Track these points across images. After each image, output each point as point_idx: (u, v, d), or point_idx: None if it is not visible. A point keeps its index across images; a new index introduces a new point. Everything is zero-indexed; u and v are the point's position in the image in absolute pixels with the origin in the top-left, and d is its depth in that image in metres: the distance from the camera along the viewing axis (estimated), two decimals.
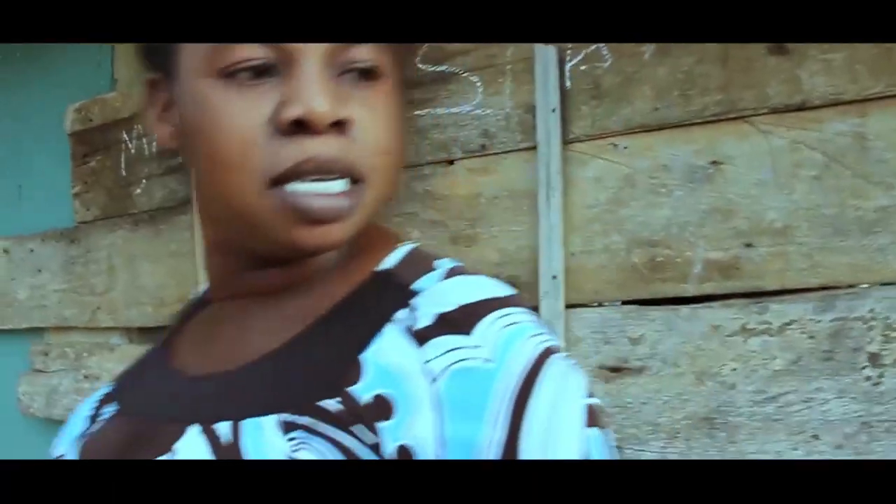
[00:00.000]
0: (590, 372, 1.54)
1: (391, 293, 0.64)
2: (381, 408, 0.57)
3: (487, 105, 1.65)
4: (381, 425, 0.57)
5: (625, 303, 1.54)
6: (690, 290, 1.46)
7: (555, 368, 0.58)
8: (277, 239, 0.62)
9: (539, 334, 0.59)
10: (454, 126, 1.70)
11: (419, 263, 0.67)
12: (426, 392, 0.57)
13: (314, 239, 0.61)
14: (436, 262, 0.67)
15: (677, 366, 1.47)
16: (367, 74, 0.63)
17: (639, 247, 1.50)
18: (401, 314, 0.61)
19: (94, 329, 2.51)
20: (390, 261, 0.68)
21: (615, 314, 1.53)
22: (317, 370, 0.62)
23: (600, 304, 1.55)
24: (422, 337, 0.59)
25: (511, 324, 0.59)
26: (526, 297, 1.60)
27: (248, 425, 0.60)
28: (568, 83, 1.56)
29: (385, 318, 0.62)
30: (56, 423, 2.52)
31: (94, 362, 2.47)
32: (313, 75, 0.60)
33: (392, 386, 0.58)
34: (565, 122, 1.56)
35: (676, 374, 1.47)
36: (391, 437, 0.56)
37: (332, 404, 0.58)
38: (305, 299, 0.68)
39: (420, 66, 1.75)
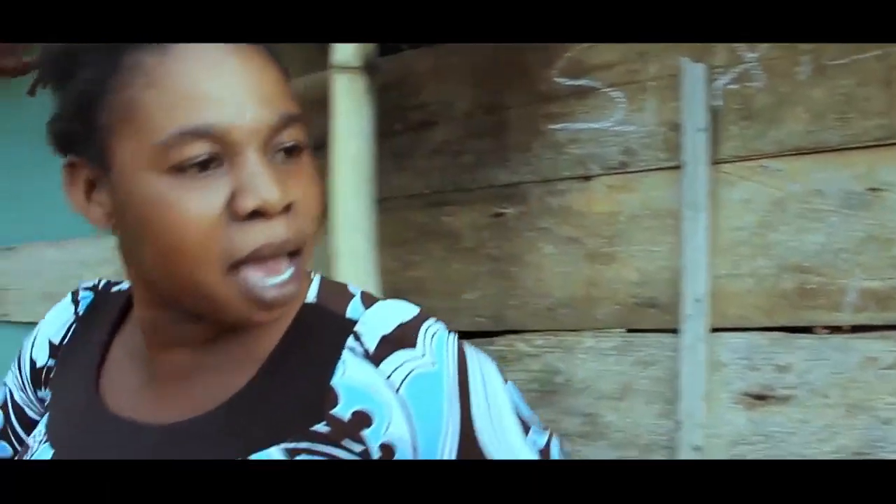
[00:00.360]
0: (732, 398, 1.51)
1: (330, 325, 0.76)
2: (362, 420, 0.71)
3: (629, 121, 1.62)
4: (365, 433, 0.70)
5: (771, 329, 1.49)
6: (843, 318, 1.41)
7: (472, 356, 0.74)
8: (236, 318, 0.71)
9: (450, 334, 0.75)
10: (592, 142, 1.67)
11: (337, 292, 0.79)
12: (393, 400, 0.71)
13: (269, 317, 0.71)
14: (349, 289, 0.80)
15: (827, 396, 1.42)
16: (291, 151, 0.70)
17: (788, 272, 1.46)
18: (350, 342, 0.73)
19: None
20: (311, 293, 0.78)
21: (762, 340, 1.49)
22: (295, 402, 0.73)
23: (745, 329, 1.52)
24: (376, 358, 0.72)
25: (434, 332, 0.73)
26: (668, 318, 1.59)
27: (259, 458, 0.71)
28: (718, 102, 1.52)
29: (337, 347, 0.74)
30: None
31: None
32: (259, 165, 0.67)
33: (365, 401, 0.71)
34: (714, 141, 1.52)
35: (826, 405, 1.42)
36: (374, 439, 0.70)
37: (321, 427, 0.71)
38: (246, 342, 0.76)
39: (557, 79, 1.72)
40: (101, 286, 0.95)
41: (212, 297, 0.69)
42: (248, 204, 0.66)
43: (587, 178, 1.68)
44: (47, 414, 0.87)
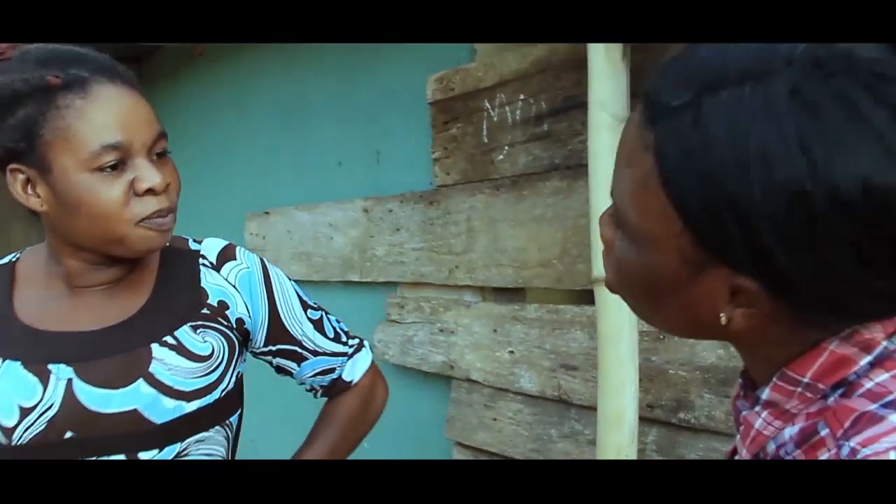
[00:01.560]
0: None
1: (185, 254, 1.25)
2: (223, 305, 1.22)
3: None
4: (226, 313, 1.22)
5: None
6: None
7: (269, 265, 1.30)
8: (144, 250, 1.11)
9: (255, 254, 1.30)
10: None
11: (176, 238, 1.24)
12: (234, 291, 1.23)
13: (161, 244, 1.13)
14: (182, 237, 1.26)
15: None
16: (162, 154, 1.12)
17: None
18: (201, 261, 1.24)
19: (450, 286, 2.49)
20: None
21: None
22: (184, 299, 1.20)
23: None
24: (217, 267, 1.24)
25: (245, 251, 1.28)
26: None
27: (180, 333, 1.16)
28: None
29: (196, 264, 1.23)
30: (409, 370, 2.65)
31: (450, 317, 2.33)
32: (147, 163, 1.08)
33: (221, 294, 1.22)
34: None
35: None
36: (232, 317, 1.21)
37: (205, 311, 1.20)
38: (140, 276, 1.20)
39: None
40: None
41: (127, 242, 1.09)
42: (143, 186, 1.07)
43: None
44: None
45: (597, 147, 1.65)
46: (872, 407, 0.60)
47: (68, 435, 1.10)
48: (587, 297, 1.74)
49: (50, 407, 1.09)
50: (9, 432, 1.08)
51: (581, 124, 1.72)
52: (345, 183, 3.02)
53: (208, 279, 1.23)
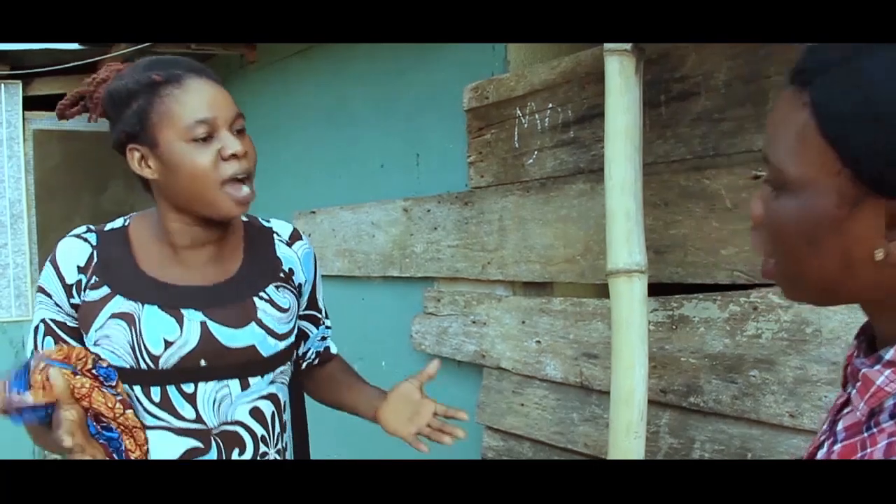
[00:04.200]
0: None
1: (262, 229, 1.57)
2: (291, 272, 1.56)
3: None
4: (293, 278, 1.56)
5: None
6: None
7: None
8: (224, 210, 1.37)
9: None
10: None
11: (251, 216, 1.58)
12: (300, 263, 1.58)
13: (240, 212, 1.39)
14: (254, 215, 1.58)
15: None
16: (241, 131, 1.39)
17: None
18: (276, 237, 1.57)
19: (482, 281, 2.63)
20: (245, 220, 1.58)
21: None
22: (267, 267, 1.52)
23: None
24: (290, 244, 1.59)
25: (304, 234, 1.64)
26: None
27: (269, 290, 1.50)
28: None
29: (272, 239, 1.56)
30: (444, 359, 2.51)
31: (482, 310, 2.50)
32: (230, 135, 1.36)
33: (291, 264, 1.57)
34: None
35: None
36: (297, 281, 1.57)
37: (281, 275, 1.53)
38: (230, 242, 1.50)
39: None
40: (94, 229, 1.48)
41: (215, 203, 1.36)
42: (228, 151, 1.34)
43: None
44: (103, 288, 1.41)
45: (612, 153, 1.80)
46: None
47: (202, 363, 1.41)
48: (607, 291, 1.89)
49: (188, 342, 1.39)
50: (156, 360, 1.38)
51: (603, 131, 1.87)
52: (386, 184, 3.18)
53: (281, 251, 1.57)
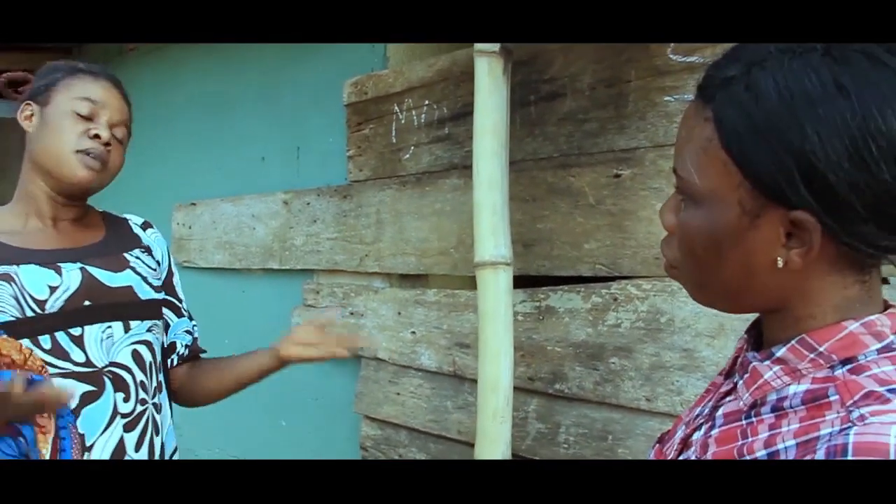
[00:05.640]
0: None
1: (119, 218, 1.73)
2: (150, 249, 1.71)
3: None
4: (153, 253, 1.72)
5: None
6: None
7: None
8: (70, 172, 1.51)
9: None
10: None
11: (108, 212, 1.74)
12: (153, 245, 1.73)
13: (85, 177, 1.52)
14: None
15: None
16: (119, 139, 1.59)
17: None
18: (130, 222, 1.73)
19: (360, 273, 2.69)
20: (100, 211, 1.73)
21: None
22: (128, 239, 1.68)
23: None
24: (143, 228, 1.75)
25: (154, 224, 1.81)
26: None
27: (136, 251, 1.67)
28: None
29: (126, 223, 1.73)
30: None
31: (360, 301, 2.56)
32: (106, 128, 1.55)
33: (147, 242, 1.72)
34: None
35: None
36: (157, 256, 1.73)
37: (143, 246, 1.70)
38: (92, 220, 1.66)
39: (671, 57, 1.87)
40: None
41: (65, 163, 1.51)
42: (93, 132, 1.53)
43: None
44: None
45: (479, 150, 1.87)
46: (880, 388, 0.70)
47: (86, 303, 1.49)
48: None
49: (70, 286, 1.48)
50: (41, 304, 1.44)
51: None
52: (267, 177, 3.17)
53: (137, 231, 1.73)
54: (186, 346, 1.79)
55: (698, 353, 1.81)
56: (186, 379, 1.79)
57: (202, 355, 1.85)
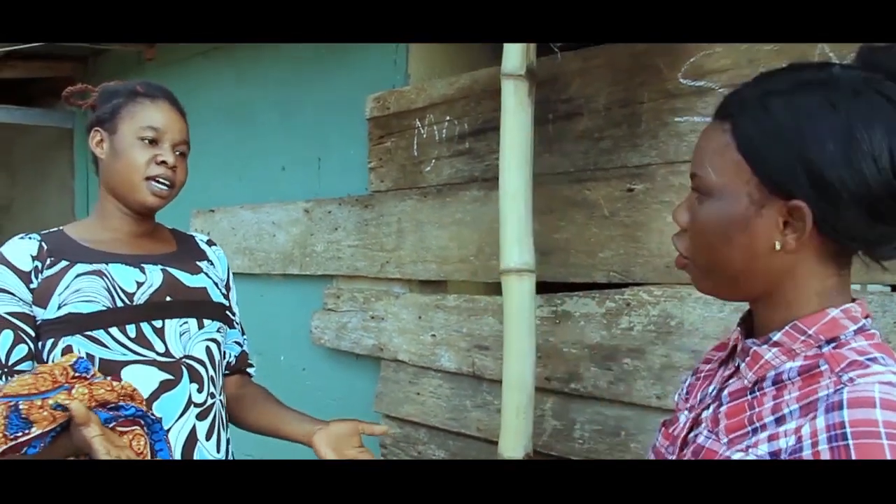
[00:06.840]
0: None
1: (187, 235, 1.87)
2: (212, 262, 1.85)
3: None
4: (218, 266, 1.88)
5: None
6: None
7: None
8: (141, 198, 1.63)
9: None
10: None
11: (176, 229, 1.89)
12: (217, 260, 1.88)
13: (156, 202, 1.65)
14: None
15: None
16: (182, 154, 1.70)
17: None
18: (196, 238, 1.88)
19: (381, 279, 2.80)
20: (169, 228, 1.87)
21: None
22: (196, 252, 1.83)
23: None
24: (209, 245, 1.89)
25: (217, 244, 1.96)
26: None
27: (202, 262, 1.80)
28: None
29: (193, 239, 1.87)
30: (343, 353, 3.00)
31: (380, 306, 2.78)
32: (170, 151, 1.66)
33: (212, 257, 1.87)
34: None
35: None
36: (219, 271, 1.87)
37: (209, 260, 1.85)
38: (163, 234, 1.80)
39: (681, 80, 2.00)
40: (37, 233, 1.65)
41: (135, 189, 1.63)
42: (160, 158, 1.64)
43: None
44: (61, 262, 1.60)
45: (505, 165, 1.98)
46: (860, 358, 0.87)
47: (167, 299, 1.64)
48: (497, 289, 2.07)
49: (153, 283, 1.64)
50: (130, 296, 1.59)
51: (496, 144, 2.05)
52: (287, 186, 3.27)
53: (203, 247, 1.86)
54: (235, 356, 1.90)
55: None
56: (234, 395, 1.87)
57: (252, 364, 1.96)
